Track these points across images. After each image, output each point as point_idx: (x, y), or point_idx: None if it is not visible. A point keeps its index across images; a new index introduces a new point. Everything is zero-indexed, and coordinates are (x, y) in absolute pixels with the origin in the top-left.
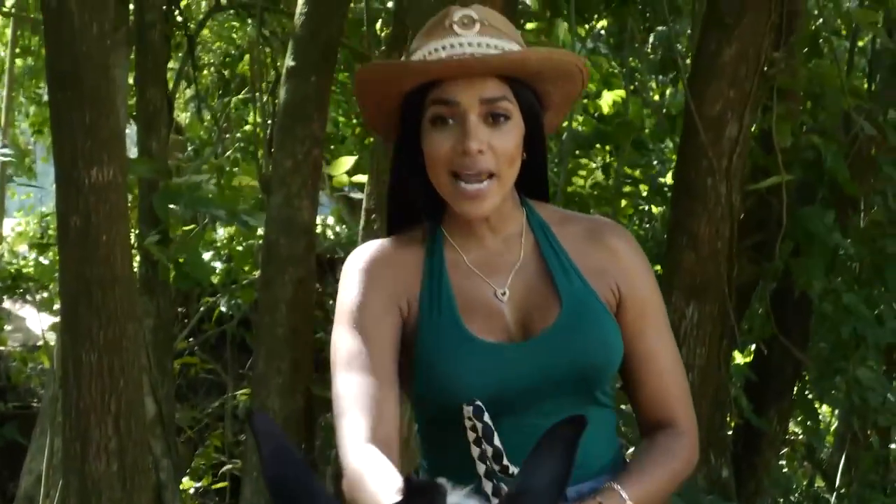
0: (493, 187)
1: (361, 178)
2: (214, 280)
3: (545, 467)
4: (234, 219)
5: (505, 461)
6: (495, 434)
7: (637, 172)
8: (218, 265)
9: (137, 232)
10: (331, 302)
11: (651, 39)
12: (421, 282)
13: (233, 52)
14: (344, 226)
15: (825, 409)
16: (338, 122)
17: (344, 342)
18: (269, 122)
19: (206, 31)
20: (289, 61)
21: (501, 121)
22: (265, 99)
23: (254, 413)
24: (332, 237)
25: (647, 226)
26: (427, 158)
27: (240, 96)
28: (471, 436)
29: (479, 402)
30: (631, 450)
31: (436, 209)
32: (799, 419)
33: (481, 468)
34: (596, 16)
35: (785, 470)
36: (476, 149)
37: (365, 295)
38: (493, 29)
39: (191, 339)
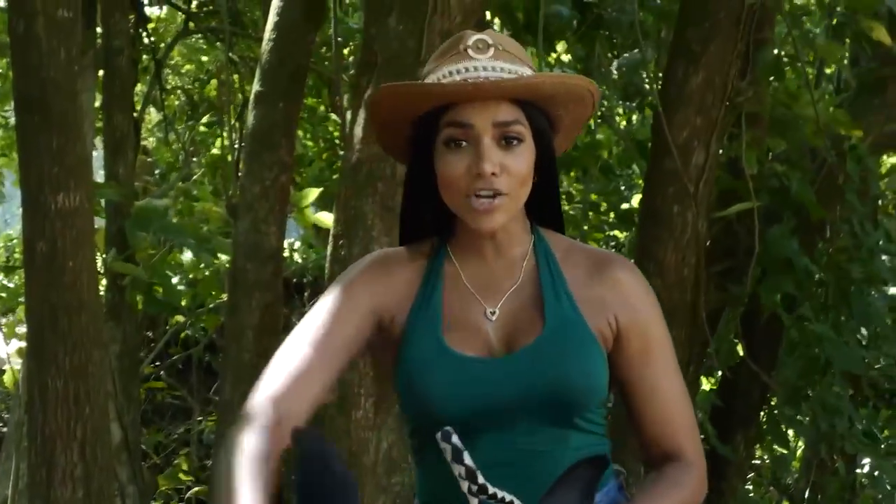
0: (505, 202)
1: (327, 216)
2: (181, 304)
3: None
4: (202, 247)
5: (480, 479)
6: (465, 454)
7: (600, 200)
8: (183, 289)
9: (104, 257)
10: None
11: (615, 65)
12: (416, 294)
13: (201, 76)
14: (311, 250)
15: (791, 434)
16: (305, 146)
17: (314, 317)
18: (237, 146)
19: (174, 55)
20: (256, 87)
21: (514, 144)
22: (233, 123)
23: (300, 432)
24: (299, 261)
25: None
26: (441, 179)
27: (205, 120)
28: (446, 457)
29: (447, 428)
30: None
31: (444, 226)
32: (765, 444)
33: (464, 485)
34: (563, 42)
35: (752, 495)
36: (490, 171)
37: (354, 287)
38: (507, 54)
39: (157, 364)
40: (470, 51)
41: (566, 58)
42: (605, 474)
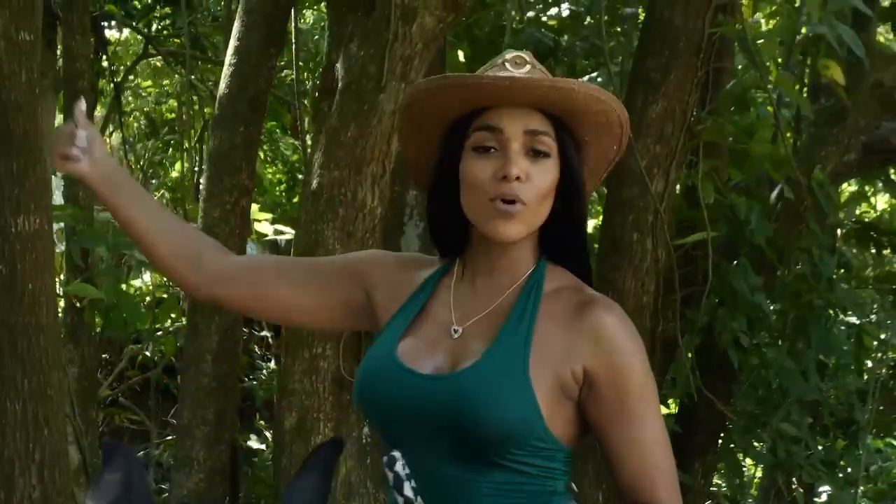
0: (525, 213)
1: (286, 231)
2: (138, 327)
3: (302, 490)
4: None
5: None
6: (406, 484)
7: None
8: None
9: (62, 279)
10: (256, 350)
11: None
12: (411, 293)
13: (161, 98)
14: None
15: (748, 462)
16: (263, 169)
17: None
18: (196, 169)
19: (134, 76)
20: (217, 111)
21: (541, 157)
22: (192, 146)
23: (107, 443)
24: None
25: None
26: (466, 183)
27: (161, 139)
28: (389, 483)
29: (394, 453)
30: None
31: (460, 242)
32: (722, 472)
33: None
34: None
35: None
36: (516, 174)
37: (370, 264)
38: (543, 72)
39: (114, 387)
40: (508, 64)
41: None
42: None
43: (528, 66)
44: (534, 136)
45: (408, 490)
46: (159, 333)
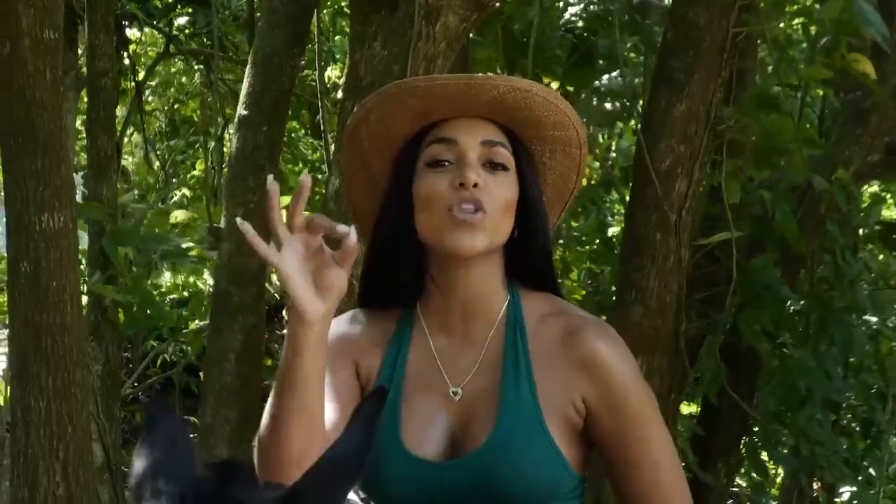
0: (486, 221)
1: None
2: (164, 326)
3: (345, 440)
4: (184, 254)
5: None
6: None
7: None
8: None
9: (86, 277)
10: (278, 349)
11: (603, 84)
12: (382, 360)
13: (181, 97)
14: None
15: (770, 462)
16: (284, 168)
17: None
18: (214, 169)
19: (154, 76)
20: (241, 111)
21: (499, 169)
22: (212, 146)
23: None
24: (277, 284)
25: (590, 282)
26: (420, 200)
27: (181, 140)
28: None
29: None
30: None
31: (412, 288)
32: (743, 472)
33: None
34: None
35: None
36: (473, 180)
37: (338, 349)
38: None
39: (135, 385)
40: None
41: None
42: None
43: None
44: (491, 146)
45: None
46: (184, 331)
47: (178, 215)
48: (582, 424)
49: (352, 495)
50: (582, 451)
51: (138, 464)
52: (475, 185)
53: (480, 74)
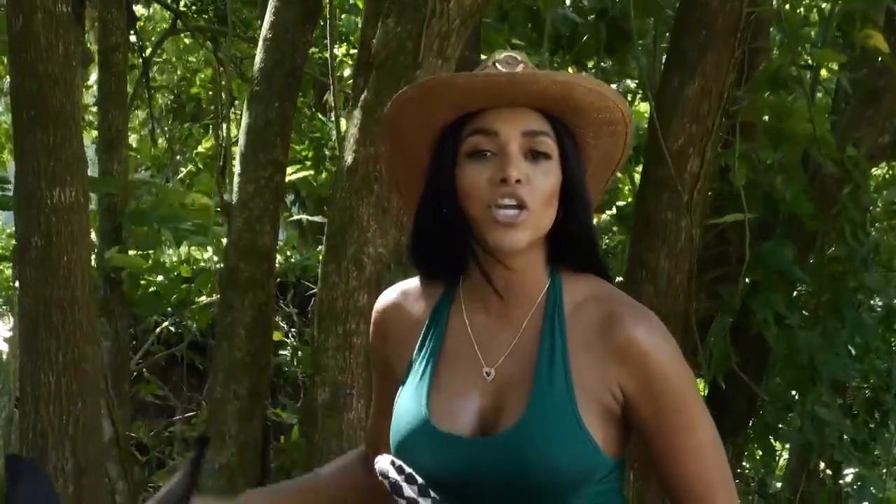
0: (529, 220)
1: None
2: (173, 302)
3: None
4: (201, 232)
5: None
6: (405, 487)
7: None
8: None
9: (96, 253)
10: (283, 325)
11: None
12: (421, 335)
13: (188, 75)
14: (293, 250)
15: (776, 444)
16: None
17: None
18: (222, 146)
19: (161, 52)
20: (253, 87)
21: (541, 159)
22: (221, 123)
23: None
24: (281, 262)
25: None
26: (462, 192)
27: (189, 115)
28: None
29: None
30: None
31: (457, 264)
32: (747, 454)
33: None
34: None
35: None
36: (515, 177)
37: (373, 349)
38: (536, 69)
39: (139, 362)
40: (499, 65)
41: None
42: None
43: (521, 66)
44: (533, 136)
45: (409, 491)
46: (190, 307)
47: (195, 198)
48: (620, 411)
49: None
50: (619, 435)
51: None
52: (517, 181)
53: (521, 70)
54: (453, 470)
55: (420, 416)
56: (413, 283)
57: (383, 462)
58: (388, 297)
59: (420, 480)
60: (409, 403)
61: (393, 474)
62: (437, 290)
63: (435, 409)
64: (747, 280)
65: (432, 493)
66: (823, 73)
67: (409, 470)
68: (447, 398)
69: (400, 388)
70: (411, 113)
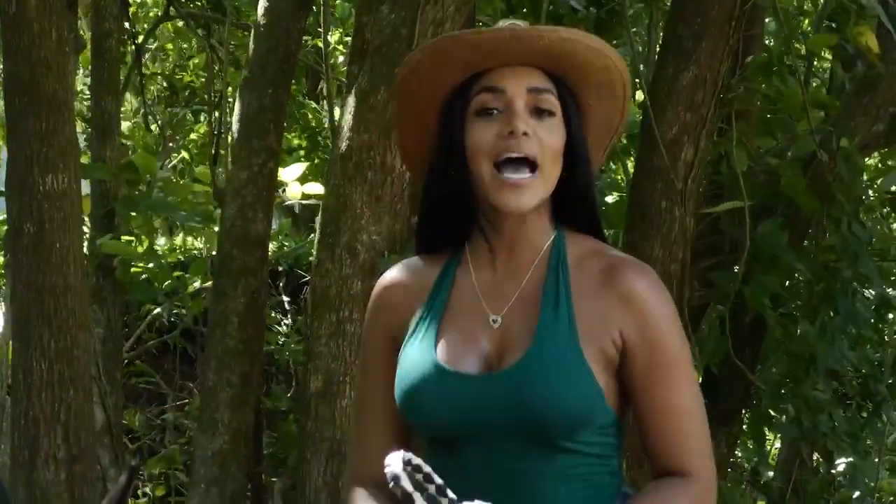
0: (536, 182)
1: (317, 188)
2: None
3: None
4: (193, 219)
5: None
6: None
7: None
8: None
9: (89, 240)
10: (272, 314)
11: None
12: (427, 297)
13: (181, 61)
14: (283, 237)
15: (769, 433)
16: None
17: (359, 381)
18: (216, 133)
19: (154, 39)
20: (246, 72)
21: (546, 115)
22: (213, 109)
23: None
24: (273, 249)
25: None
26: (470, 150)
27: (180, 105)
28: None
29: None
30: None
31: (463, 228)
32: (740, 443)
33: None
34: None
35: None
36: (522, 129)
37: (369, 334)
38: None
39: (131, 350)
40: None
41: None
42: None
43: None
44: (537, 94)
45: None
46: (180, 294)
47: (195, 188)
48: (618, 360)
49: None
50: (616, 389)
51: None
52: (524, 134)
53: (523, 25)
54: (461, 409)
55: (428, 360)
56: (413, 260)
57: (394, 465)
58: (389, 274)
59: (438, 480)
60: (416, 352)
61: (405, 483)
62: (442, 260)
63: (442, 353)
64: (744, 267)
65: (436, 480)
66: (817, 63)
67: (427, 469)
68: (454, 343)
69: (404, 346)
70: (421, 75)
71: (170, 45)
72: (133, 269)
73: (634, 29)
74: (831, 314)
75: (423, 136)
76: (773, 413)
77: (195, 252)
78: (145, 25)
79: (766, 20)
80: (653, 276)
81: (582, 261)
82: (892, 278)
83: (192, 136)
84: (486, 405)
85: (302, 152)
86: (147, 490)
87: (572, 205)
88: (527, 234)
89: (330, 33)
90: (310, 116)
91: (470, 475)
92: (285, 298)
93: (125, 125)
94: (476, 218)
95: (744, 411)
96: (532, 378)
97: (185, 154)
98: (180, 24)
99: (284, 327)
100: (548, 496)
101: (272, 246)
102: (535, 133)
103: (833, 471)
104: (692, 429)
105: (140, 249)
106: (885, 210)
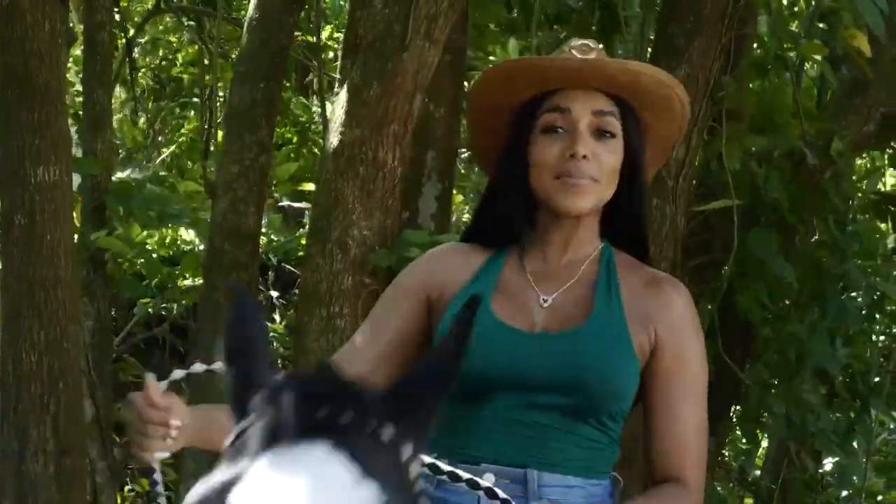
0: (594, 188)
1: (308, 186)
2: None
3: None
4: (185, 217)
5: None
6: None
7: None
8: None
9: (80, 233)
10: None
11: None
12: (474, 272)
13: (170, 57)
14: (276, 232)
15: (759, 432)
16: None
17: (377, 303)
18: (206, 127)
19: (143, 33)
20: (238, 66)
21: (607, 137)
22: (205, 103)
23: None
24: (263, 244)
25: None
26: (533, 164)
27: (169, 99)
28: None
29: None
30: None
31: (520, 228)
32: (729, 441)
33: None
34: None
35: (719, 489)
36: (583, 153)
37: (406, 277)
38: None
39: (120, 344)
40: (574, 52)
41: None
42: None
43: (594, 53)
44: (601, 116)
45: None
46: (170, 289)
47: (186, 185)
48: (647, 359)
49: None
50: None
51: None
52: (584, 157)
53: (594, 56)
54: (511, 360)
55: (483, 312)
56: (461, 244)
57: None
58: (442, 246)
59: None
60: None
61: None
62: (488, 252)
63: (496, 308)
64: (732, 266)
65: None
66: (808, 64)
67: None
68: (507, 307)
69: (448, 308)
70: (494, 88)
71: (161, 37)
72: (123, 263)
73: (628, 27)
74: (821, 313)
75: (494, 142)
76: (763, 412)
77: (184, 248)
78: (136, 19)
79: (760, 16)
80: (690, 298)
81: (627, 270)
82: (878, 279)
83: (182, 130)
84: (536, 362)
85: (290, 147)
86: (135, 487)
87: (622, 219)
88: (579, 238)
89: (322, 28)
90: (297, 112)
91: (490, 426)
92: (274, 294)
93: (114, 118)
94: (532, 219)
95: (732, 410)
96: (586, 347)
97: (174, 149)
98: (167, 19)
99: (274, 323)
100: (561, 457)
101: (262, 241)
102: (595, 155)
103: (821, 470)
104: (695, 442)
105: (136, 235)
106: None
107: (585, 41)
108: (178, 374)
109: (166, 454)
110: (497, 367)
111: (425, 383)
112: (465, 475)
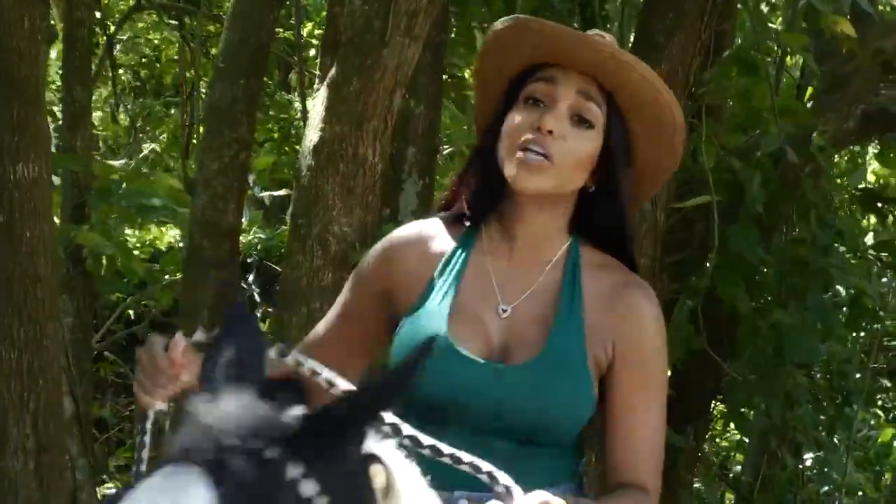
0: (552, 170)
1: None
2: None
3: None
4: (167, 211)
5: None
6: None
7: None
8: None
9: (60, 231)
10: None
11: None
12: (438, 267)
13: (151, 53)
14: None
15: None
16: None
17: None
18: (187, 125)
19: (125, 31)
20: (219, 63)
21: (584, 126)
22: (186, 100)
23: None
24: (243, 241)
25: None
26: (504, 129)
27: (149, 97)
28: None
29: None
30: None
31: (487, 204)
32: (709, 437)
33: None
34: None
35: (698, 484)
36: (549, 127)
37: (365, 273)
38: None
39: (100, 341)
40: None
41: None
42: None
43: (608, 37)
44: (584, 98)
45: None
46: (152, 287)
47: (164, 180)
48: (605, 369)
49: None
50: (597, 398)
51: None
52: (550, 132)
53: (609, 39)
54: (468, 395)
55: (440, 335)
56: (431, 222)
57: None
58: (404, 231)
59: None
60: (427, 323)
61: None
62: (457, 233)
63: (453, 331)
64: (711, 262)
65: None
66: (789, 60)
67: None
68: (465, 323)
69: (414, 313)
70: (498, 50)
71: (142, 34)
72: (102, 260)
73: (609, 26)
74: (800, 309)
75: (490, 112)
76: (749, 404)
77: (163, 248)
78: (117, 16)
79: (738, 6)
80: (657, 304)
81: (595, 270)
82: (857, 278)
83: (163, 127)
84: (491, 394)
85: (272, 143)
86: (114, 485)
87: (601, 220)
88: (544, 230)
89: (302, 25)
90: (278, 109)
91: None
92: (255, 290)
93: (95, 116)
94: (498, 197)
95: (712, 406)
96: (545, 378)
97: (155, 146)
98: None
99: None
100: (528, 478)
101: (242, 238)
102: (564, 136)
103: (801, 465)
104: (656, 448)
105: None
106: (853, 206)
107: (599, 32)
108: (200, 336)
109: (164, 406)
110: (454, 399)
111: (349, 412)
112: (448, 449)
